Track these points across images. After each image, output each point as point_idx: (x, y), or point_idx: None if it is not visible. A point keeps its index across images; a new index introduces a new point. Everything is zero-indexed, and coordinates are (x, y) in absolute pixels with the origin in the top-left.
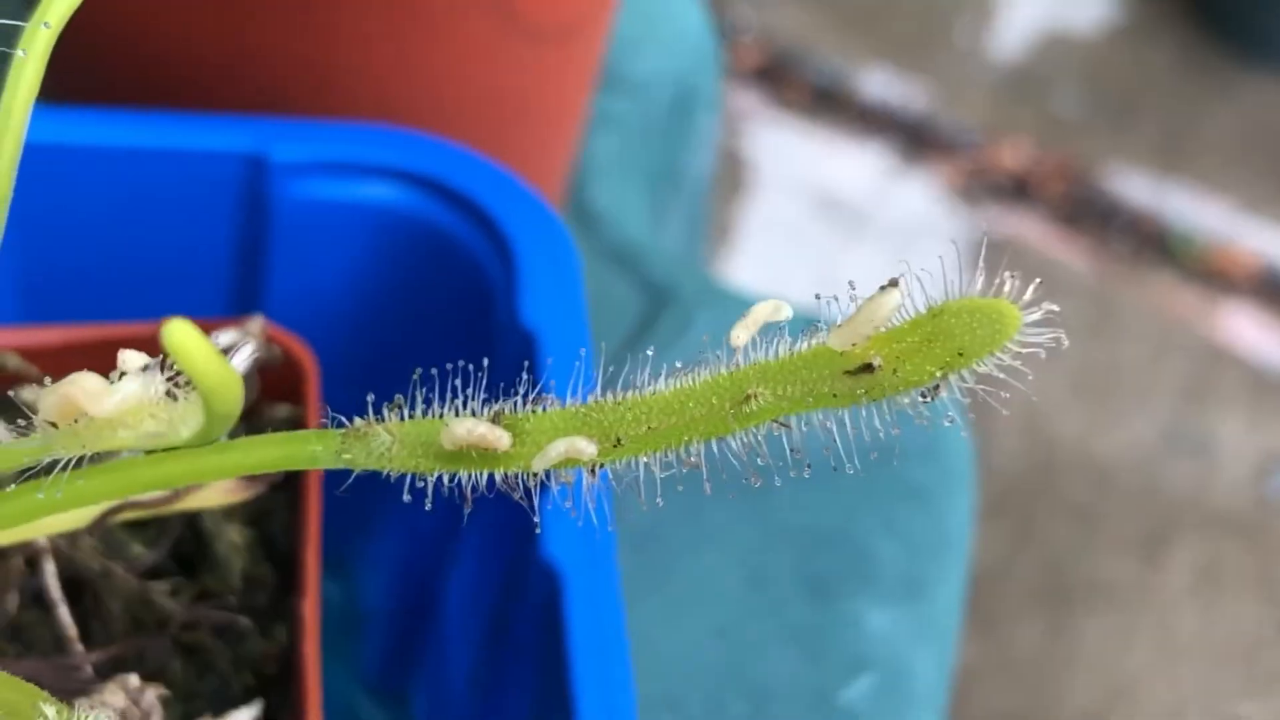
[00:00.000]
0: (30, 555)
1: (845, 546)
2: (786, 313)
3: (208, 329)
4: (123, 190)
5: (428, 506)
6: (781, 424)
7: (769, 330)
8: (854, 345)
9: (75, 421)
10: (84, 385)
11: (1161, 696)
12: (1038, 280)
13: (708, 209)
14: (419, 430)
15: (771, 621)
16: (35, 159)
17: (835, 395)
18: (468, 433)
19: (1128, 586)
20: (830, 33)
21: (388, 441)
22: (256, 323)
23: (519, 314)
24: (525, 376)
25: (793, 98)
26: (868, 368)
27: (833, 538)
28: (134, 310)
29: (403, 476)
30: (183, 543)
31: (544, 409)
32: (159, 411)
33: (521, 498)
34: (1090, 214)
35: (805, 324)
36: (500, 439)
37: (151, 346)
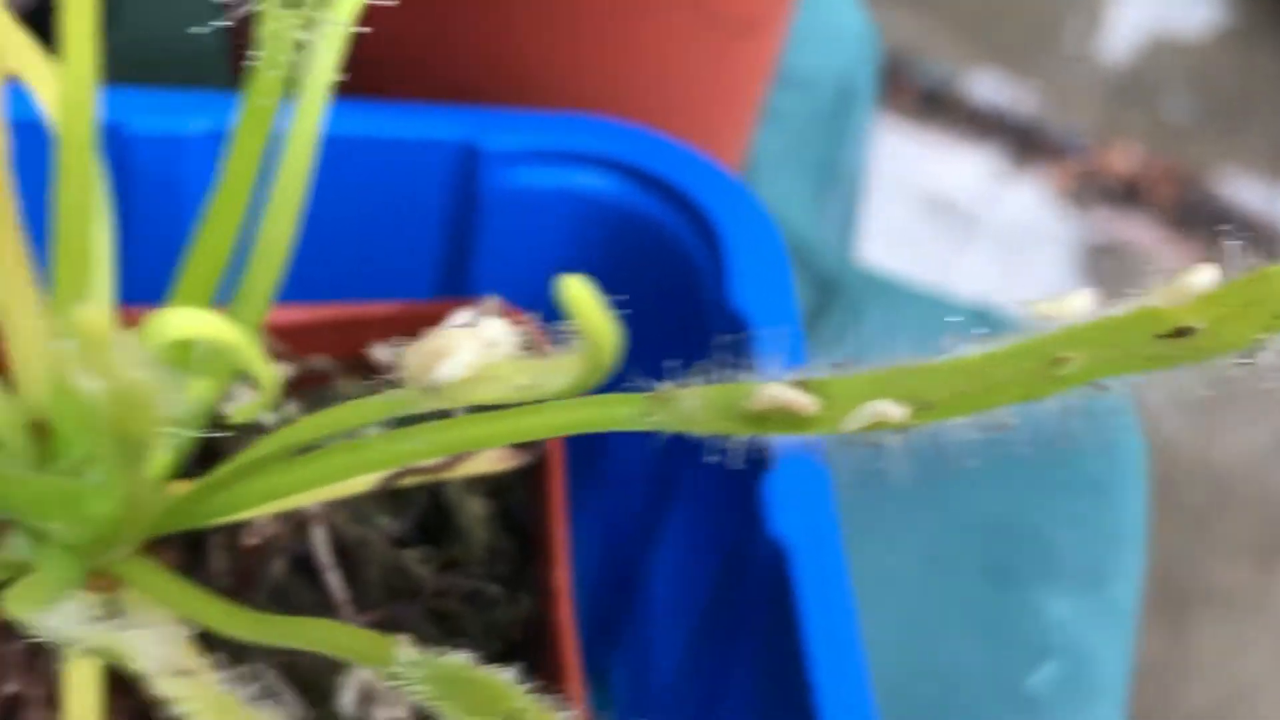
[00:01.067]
0: (300, 520)
1: (1025, 536)
2: (1087, 304)
3: (443, 309)
4: (337, 178)
5: (734, 463)
6: (1099, 386)
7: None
8: (1174, 307)
9: (430, 378)
10: (455, 340)
11: (1278, 702)
12: None
13: (862, 205)
14: (723, 394)
15: (955, 609)
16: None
17: (1151, 358)
18: (776, 396)
19: (1244, 593)
20: (940, 36)
21: (693, 404)
22: (493, 303)
23: (728, 298)
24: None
25: (902, 101)
26: (1187, 330)
27: (1012, 528)
28: (349, 293)
29: (619, 451)
30: (426, 514)
31: (847, 374)
32: (526, 366)
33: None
34: (1201, 218)
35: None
36: (808, 402)
37: (393, 325)
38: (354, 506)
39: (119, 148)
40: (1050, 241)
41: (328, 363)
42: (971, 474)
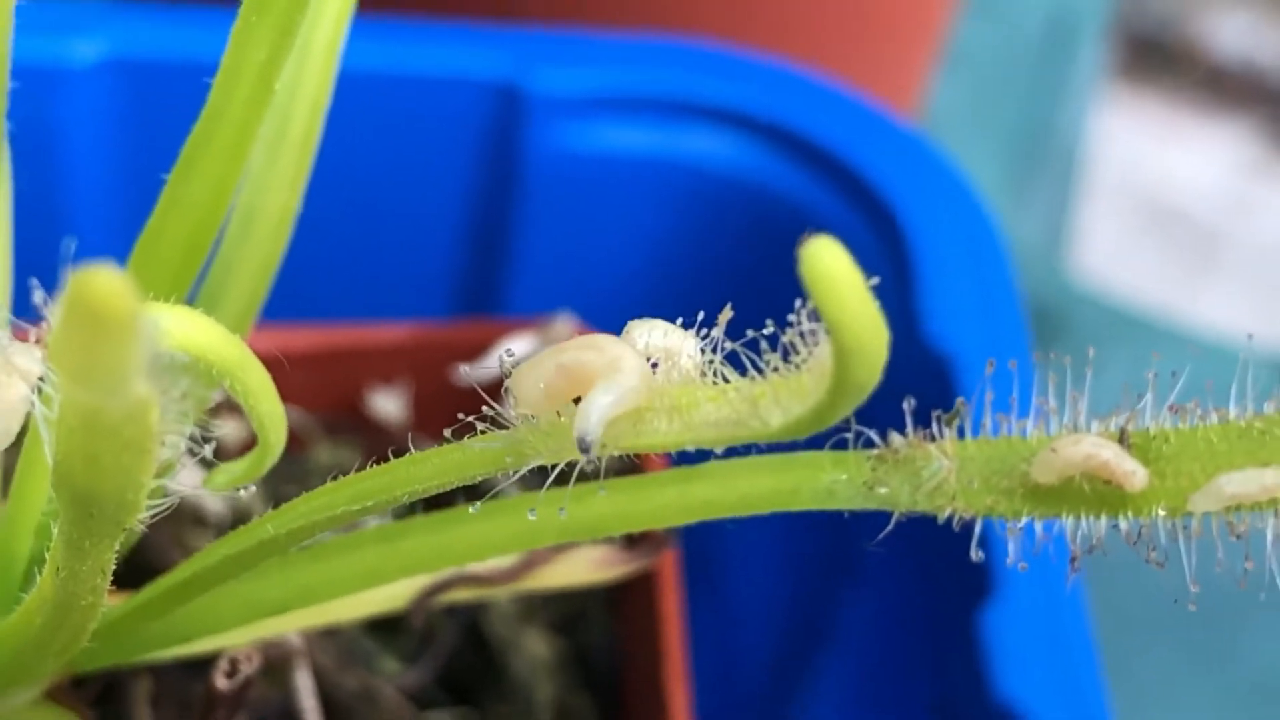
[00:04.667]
0: (276, 657)
1: None
2: None
3: (492, 333)
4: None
5: (1017, 564)
6: None
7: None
8: None
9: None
10: (604, 352)
11: None
12: None
13: (1079, 192)
14: (995, 453)
15: None
16: None
17: None
18: (1087, 458)
19: None
20: None
21: (944, 468)
22: (563, 326)
23: (920, 325)
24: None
25: (1113, 56)
26: None
27: None
28: (335, 310)
29: (747, 555)
30: (459, 655)
31: (1185, 424)
32: (731, 394)
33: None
34: None
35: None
36: (1132, 472)
37: (399, 358)
38: (351, 641)
39: None
40: None
41: (302, 418)
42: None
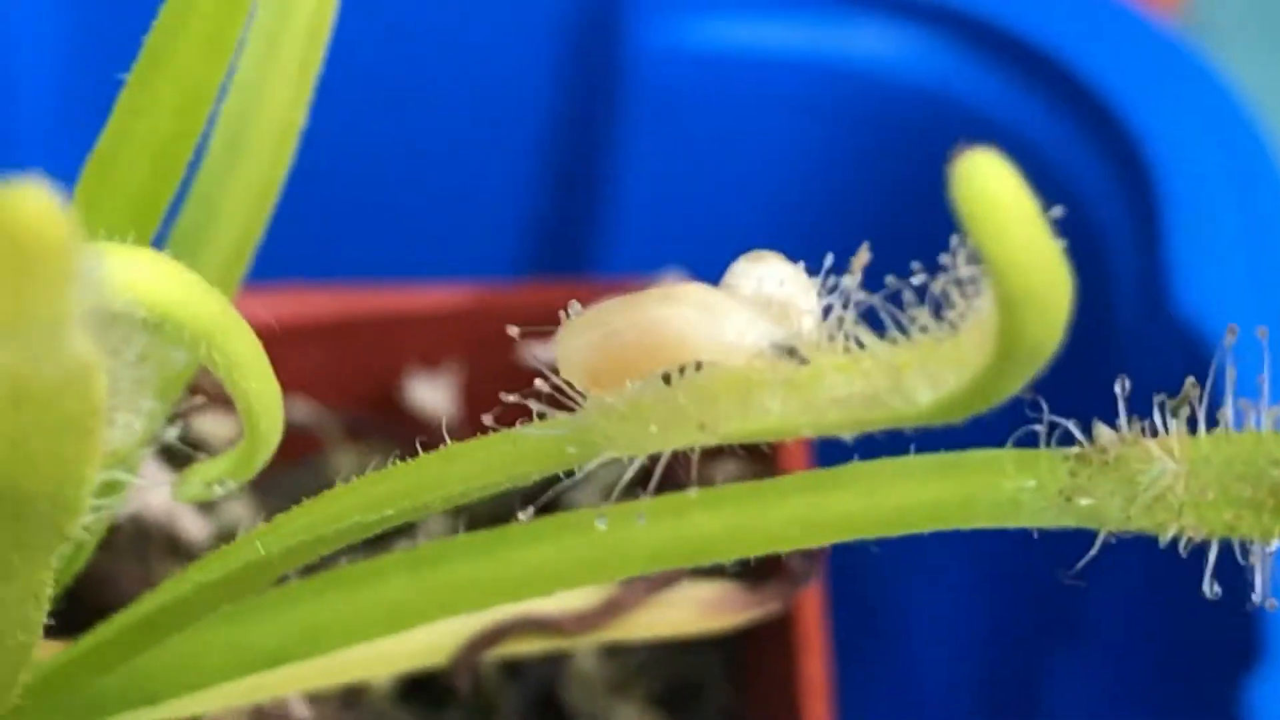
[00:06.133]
0: None
1: None
2: None
3: (574, 298)
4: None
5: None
6: None
7: None
8: None
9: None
10: (690, 298)
11: None
12: None
13: None
14: (1239, 452)
15: None
16: None
17: None
18: None
19: None
20: None
21: (1169, 472)
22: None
23: (1169, 291)
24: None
25: None
26: None
27: None
28: (397, 239)
29: (916, 591)
30: None
31: None
32: (864, 359)
33: None
34: None
35: None
36: None
37: (457, 326)
38: (377, 710)
39: None
40: None
41: (316, 413)
42: None
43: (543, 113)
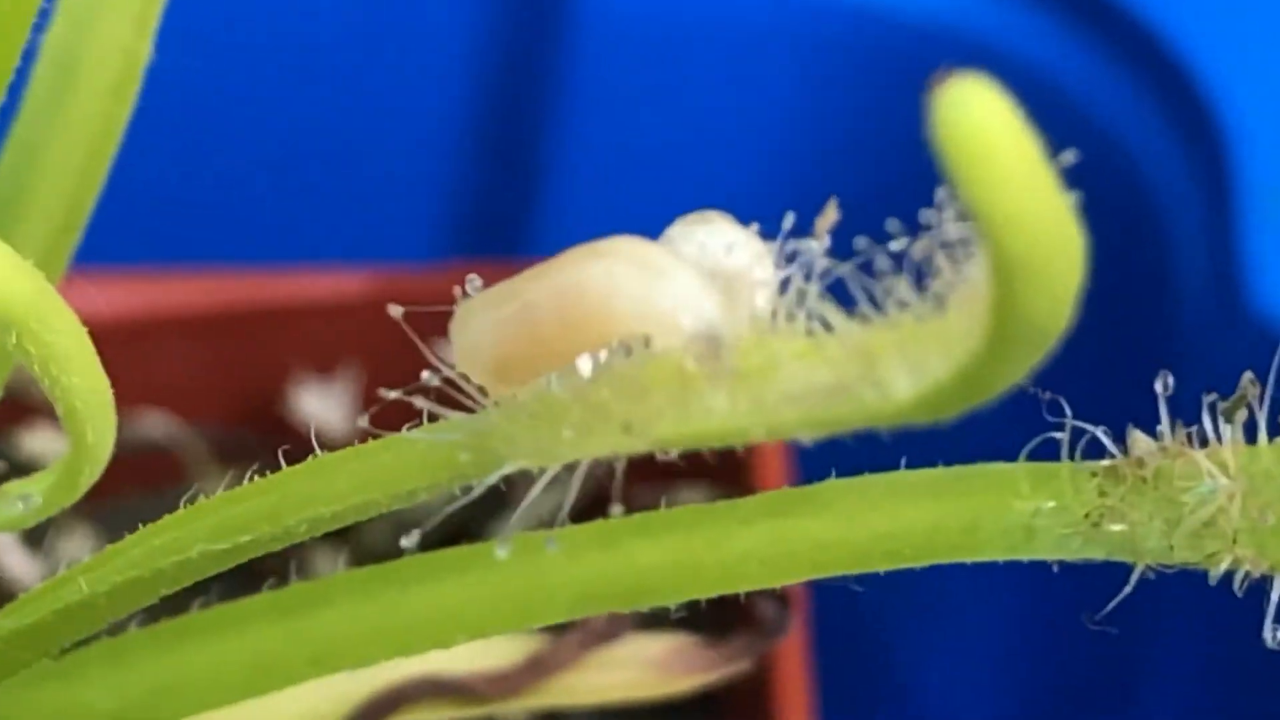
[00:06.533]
0: None
1: None
2: None
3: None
4: None
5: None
6: None
7: None
8: None
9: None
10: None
11: None
12: None
13: None
14: None
15: None
16: None
17: None
18: None
19: None
20: None
21: (1220, 491)
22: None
23: (1244, 280)
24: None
25: None
26: None
27: None
28: (285, 215)
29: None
30: None
31: None
32: (830, 342)
33: None
34: None
35: None
36: None
37: (351, 317)
38: None
39: None
40: None
41: (179, 430)
42: None
43: (461, 59)
